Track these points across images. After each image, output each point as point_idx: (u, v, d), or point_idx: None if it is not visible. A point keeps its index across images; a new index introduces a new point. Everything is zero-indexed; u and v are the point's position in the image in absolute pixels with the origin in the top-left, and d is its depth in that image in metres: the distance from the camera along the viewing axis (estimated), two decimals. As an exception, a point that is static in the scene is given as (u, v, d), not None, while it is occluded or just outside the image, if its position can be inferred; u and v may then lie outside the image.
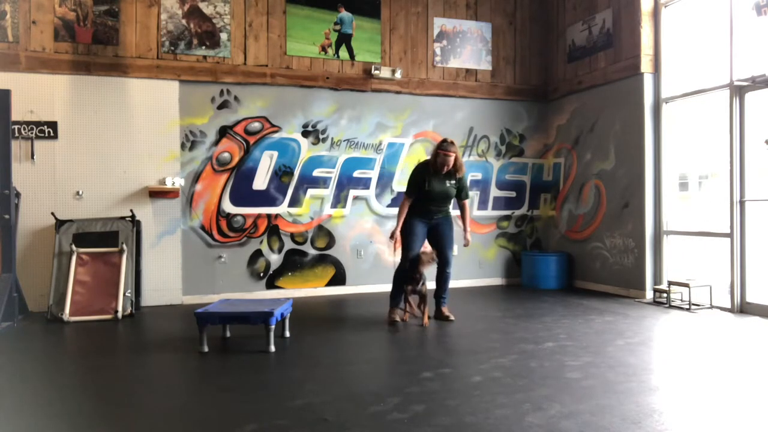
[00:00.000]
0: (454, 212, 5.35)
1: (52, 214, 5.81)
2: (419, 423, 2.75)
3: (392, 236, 5.09)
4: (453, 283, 7.31)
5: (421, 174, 5.03)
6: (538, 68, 7.83)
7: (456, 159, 4.97)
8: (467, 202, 5.31)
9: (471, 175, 7.49)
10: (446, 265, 5.16)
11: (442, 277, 5.23)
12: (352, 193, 6.98)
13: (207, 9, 6.42)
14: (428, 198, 5.02)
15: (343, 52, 6.92)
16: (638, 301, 6.19)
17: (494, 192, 7.65)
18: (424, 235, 5.16)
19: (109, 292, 5.59)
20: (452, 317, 5.15)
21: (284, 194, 6.71)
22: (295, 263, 6.75)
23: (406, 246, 5.07)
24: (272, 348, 4.15)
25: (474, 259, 7.48)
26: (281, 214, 6.71)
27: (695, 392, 3.23)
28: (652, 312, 5.57)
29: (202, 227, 6.41)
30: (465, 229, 5.27)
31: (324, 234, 6.87)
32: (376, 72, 6.92)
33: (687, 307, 5.68)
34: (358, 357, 4.15)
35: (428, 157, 5.20)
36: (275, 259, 6.68)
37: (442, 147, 4.94)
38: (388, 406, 2.98)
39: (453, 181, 5.07)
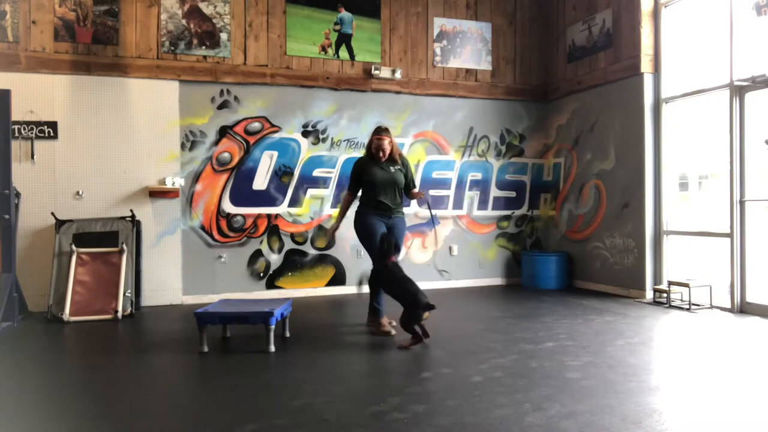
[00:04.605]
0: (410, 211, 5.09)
1: (52, 214, 5.81)
2: (419, 423, 2.75)
3: (331, 231, 5.14)
4: (453, 283, 7.42)
5: (360, 165, 4.89)
6: (538, 68, 7.83)
7: (391, 143, 4.82)
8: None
9: (471, 175, 7.49)
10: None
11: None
12: (352, 193, 6.97)
13: (207, 9, 6.42)
14: (375, 188, 4.80)
15: (343, 52, 6.92)
16: (638, 301, 6.19)
17: (494, 192, 7.64)
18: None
19: (109, 292, 5.59)
20: (393, 331, 4.66)
21: (284, 194, 6.71)
22: (295, 263, 6.75)
23: (371, 248, 4.79)
24: (272, 348, 4.15)
25: (474, 259, 7.48)
26: (281, 214, 6.71)
27: (695, 392, 3.23)
28: (652, 312, 5.57)
29: (202, 227, 6.41)
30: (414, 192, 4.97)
31: (324, 234, 6.86)
32: (376, 72, 6.92)
33: (687, 307, 5.68)
34: (358, 357, 4.15)
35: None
36: (275, 259, 6.68)
37: (375, 133, 4.85)
38: (388, 406, 2.98)
39: (397, 166, 4.88)
